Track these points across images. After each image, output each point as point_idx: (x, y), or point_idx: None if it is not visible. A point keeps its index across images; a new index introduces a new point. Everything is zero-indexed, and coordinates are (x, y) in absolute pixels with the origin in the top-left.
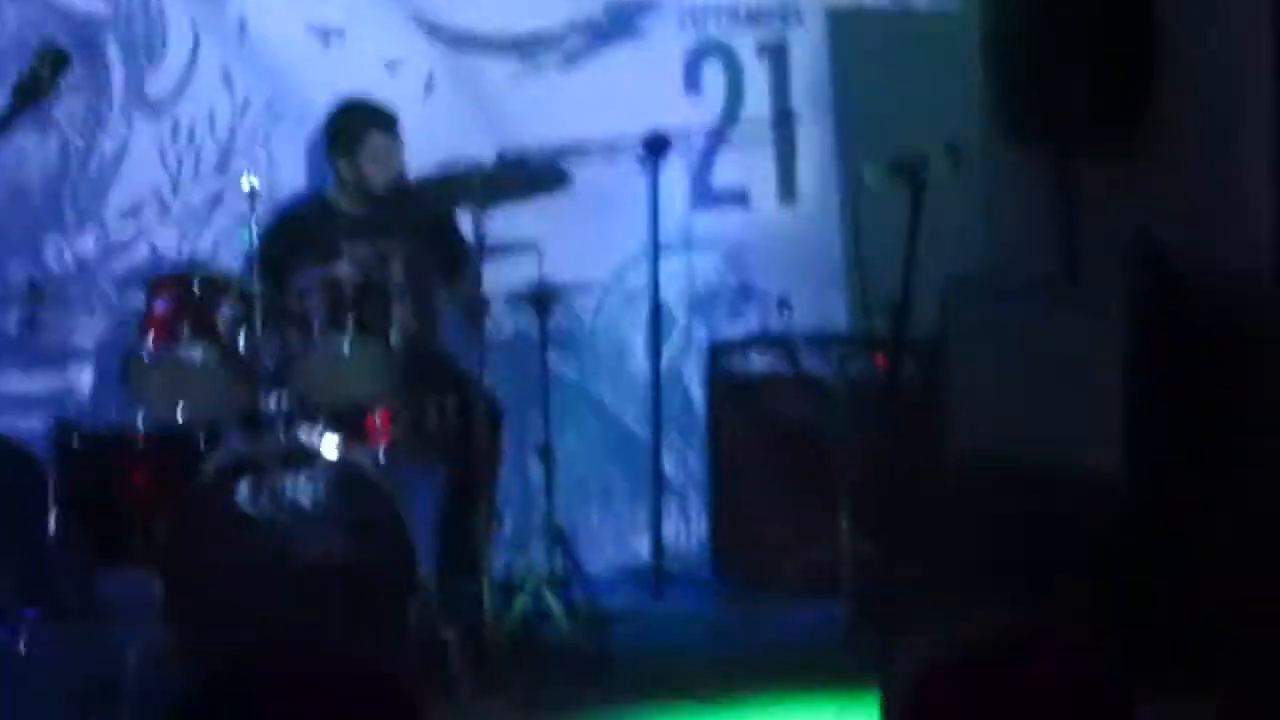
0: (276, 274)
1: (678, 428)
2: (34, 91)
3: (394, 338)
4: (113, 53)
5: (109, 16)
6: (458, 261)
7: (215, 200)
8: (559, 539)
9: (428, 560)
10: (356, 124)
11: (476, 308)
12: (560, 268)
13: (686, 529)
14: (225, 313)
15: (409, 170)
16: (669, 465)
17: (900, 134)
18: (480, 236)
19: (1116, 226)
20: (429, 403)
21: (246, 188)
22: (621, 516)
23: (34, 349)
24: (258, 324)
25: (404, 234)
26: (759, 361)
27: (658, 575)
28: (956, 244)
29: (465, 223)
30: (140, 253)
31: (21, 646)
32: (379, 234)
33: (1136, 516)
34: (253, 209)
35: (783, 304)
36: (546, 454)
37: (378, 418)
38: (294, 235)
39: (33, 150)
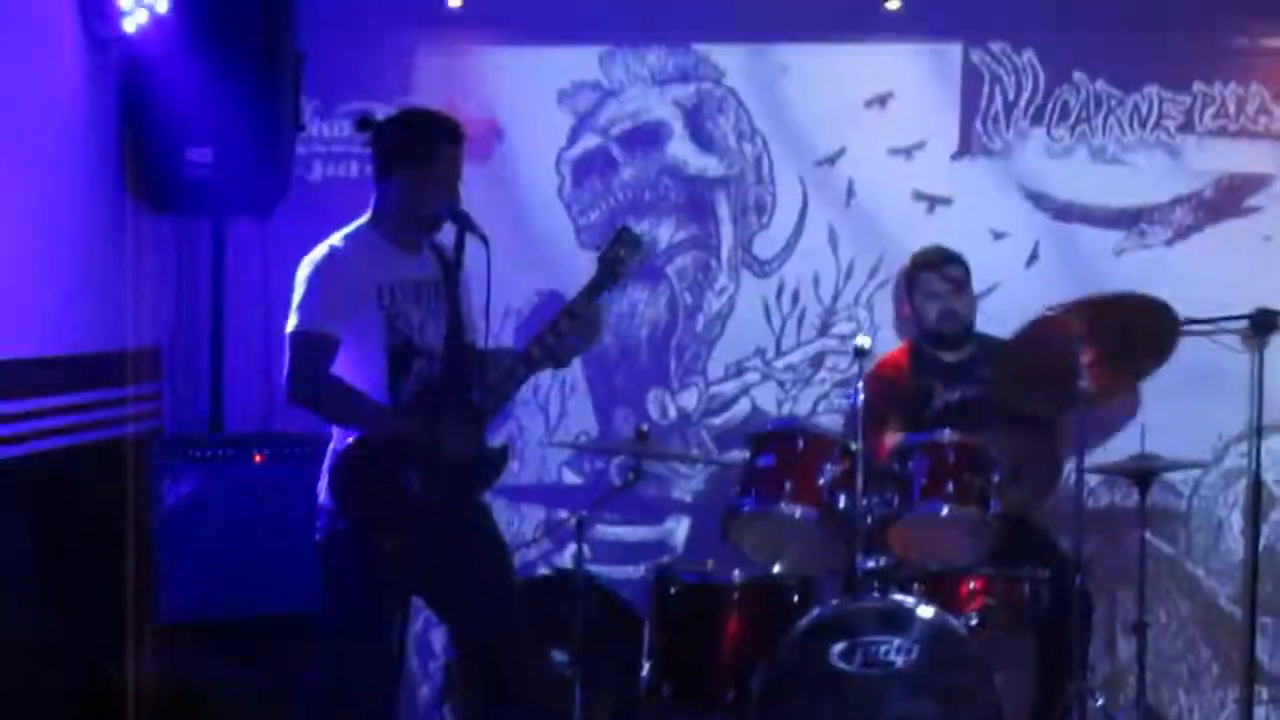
0: (877, 431)
1: (1273, 611)
2: (614, 266)
3: (993, 506)
4: (723, 211)
5: (722, 176)
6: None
7: (817, 360)
8: (1150, 718)
9: None
10: (916, 263)
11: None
12: (1161, 443)
13: (1277, 716)
14: (827, 470)
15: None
16: (1262, 650)
17: None
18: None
19: None
20: (1023, 573)
21: (858, 346)
22: (1212, 699)
23: (636, 499)
24: (858, 483)
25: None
26: None
27: None
28: None
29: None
30: (742, 409)
31: None
32: (970, 381)
33: None
34: (859, 368)
35: None
36: (1140, 631)
37: (972, 584)
38: (890, 392)
39: (644, 306)
